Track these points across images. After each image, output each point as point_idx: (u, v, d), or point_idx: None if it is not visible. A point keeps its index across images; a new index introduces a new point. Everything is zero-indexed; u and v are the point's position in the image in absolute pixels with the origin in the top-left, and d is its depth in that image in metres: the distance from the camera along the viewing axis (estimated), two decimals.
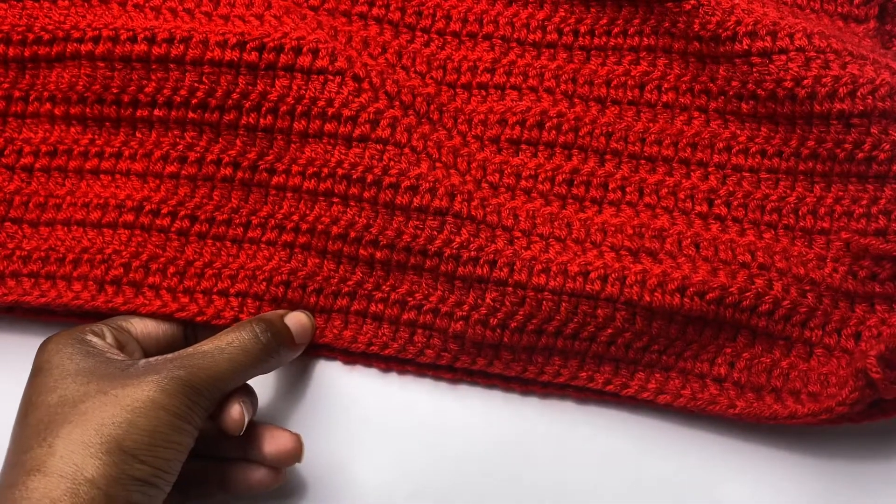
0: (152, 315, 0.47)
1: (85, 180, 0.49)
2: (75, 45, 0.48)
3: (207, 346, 0.42)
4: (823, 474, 0.46)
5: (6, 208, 0.49)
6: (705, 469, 0.47)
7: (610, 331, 0.46)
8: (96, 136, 0.49)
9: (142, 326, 0.45)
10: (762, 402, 0.45)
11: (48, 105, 0.49)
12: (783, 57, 0.45)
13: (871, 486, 0.46)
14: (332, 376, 0.49)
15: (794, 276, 0.45)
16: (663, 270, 0.45)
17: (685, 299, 0.45)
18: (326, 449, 0.48)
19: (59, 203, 0.49)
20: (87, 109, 0.49)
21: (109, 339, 0.43)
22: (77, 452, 0.37)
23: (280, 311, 0.46)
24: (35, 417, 0.39)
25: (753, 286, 0.45)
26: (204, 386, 0.40)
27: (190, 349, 0.42)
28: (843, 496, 0.46)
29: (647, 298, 0.45)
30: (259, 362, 0.43)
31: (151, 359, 0.41)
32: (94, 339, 0.42)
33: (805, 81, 0.44)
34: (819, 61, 0.44)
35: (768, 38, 0.45)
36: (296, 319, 0.46)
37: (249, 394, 0.43)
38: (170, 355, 0.41)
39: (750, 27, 0.45)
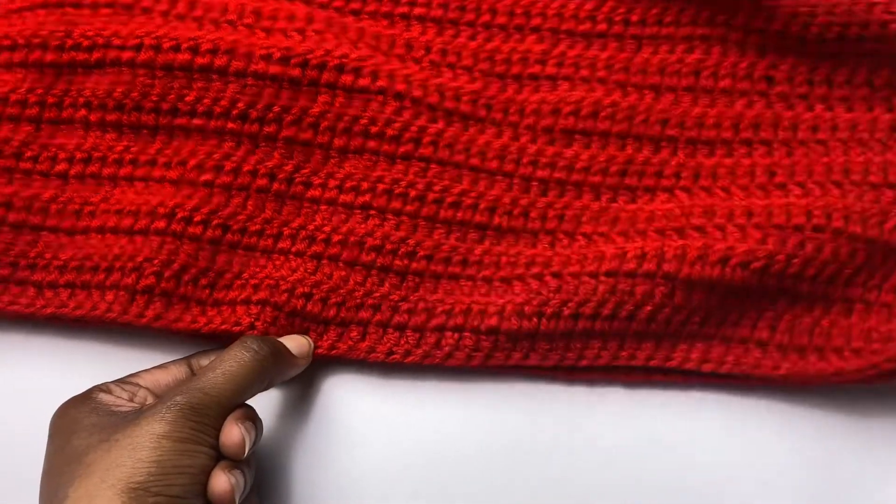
0: (181, 331, 0.47)
1: (119, 187, 0.48)
2: (116, 52, 0.47)
3: (203, 369, 0.42)
4: (826, 472, 0.46)
5: (43, 217, 0.48)
6: (709, 468, 0.46)
7: (649, 308, 0.45)
8: (132, 144, 0.48)
9: (150, 377, 0.44)
10: (807, 361, 0.44)
11: (83, 111, 0.48)
12: (857, 55, 0.46)
13: (872, 482, 0.46)
14: (331, 377, 0.48)
15: (848, 235, 0.44)
16: (704, 243, 0.45)
17: (727, 270, 0.44)
18: (326, 449, 0.47)
19: (94, 210, 0.48)
20: (124, 117, 0.48)
21: (117, 392, 0.42)
22: None
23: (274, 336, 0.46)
24: (48, 484, 0.39)
25: (802, 252, 0.44)
26: (203, 405, 0.40)
27: (191, 379, 0.42)
28: (844, 495, 0.46)
29: (687, 271, 0.44)
30: (256, 374, 0.42)
31: (155, 401, 0.41)
32: (101, 396, 0.41)
33: (882, 71, 0.45)
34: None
35: (835, 45, 0.46)
36: (289, 338, 0.46)
37: (252, 417, 0.42)
38: (172, 391, 0.41)
39: (816, 34, 0.46)
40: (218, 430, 0.40)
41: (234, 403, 0.41)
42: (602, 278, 0.45)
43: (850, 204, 0.45)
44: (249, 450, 0.40)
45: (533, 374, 0.48)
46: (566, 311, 0.45)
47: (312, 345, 0.47)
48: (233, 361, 0.41)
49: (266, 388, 0.43)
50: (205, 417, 0.39)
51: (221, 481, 0.39)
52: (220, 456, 0.40)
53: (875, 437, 0.46)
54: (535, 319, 0.45)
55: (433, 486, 0.46)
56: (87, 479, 0.37)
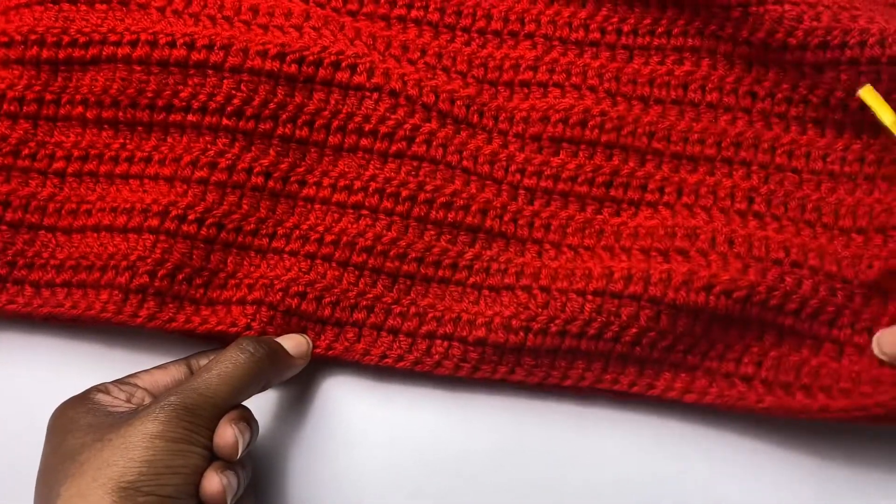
0: (176, 331, 0.47)
1: (115, 185, 0.49)
2: (112, 48, 0.48)
3: (199, 370, 0.42)
4: (824, 472, 0.47)
5: (40, 216, 0.48)
6: (706, 468, 0.47)
7: (634, 330, 0.45)
8: (127, 141, 0.49)
9: (148, 378, 0.44)
10: (792, 397, 0.45)
11: (80, 108, 0.49)
12: (836, 69, 0.46)
13: (873, 484, 0.47)
14: (332, 378, 0.49)
15: (826, 273, 0.45)
16: (690, 269, 0.45)
17: (711, 297, 0.45)
18: (327, 450, 0.48)
19: (90, 209, 0.48)
20: (120, 113, 0.48)
21: (115, 393, 0.42)
22: None
23: (272, 336, 0.46)
24: (42, 482, 0.39)
25: (782, 285, 0.45)
26: (197, 405, 0.40)
27: (186, 380, 0.42)
28: (844, 493, 0.47)
29: (672, 296, 0.45)
30: (252, 375, 0.42)
31: (150, 402, 0.41)
32: (98, 396, 0.42)
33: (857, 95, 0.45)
34: (872, 75, 0.45)
35: (819, 52, 0.46)
36: (288, 338, 0.46)
37: (247, 418, 0.42)
38: (168, 391, 0.41)
39: (801, 39, 0.46)
40: (212, 430, 0.40)
41: (229, 405, 0.41)
42: (589, 297, 0.46)
43: (823, 245, 0.46)
44: (243, 451, 0.41)
45: (523, 385, 0.48)
46: (553, 328, 0.46)
47: (311, 344, 0.47)
48: (228, 363, 0.42)
49: (262, 390, 0.44)
50: (198, 418, 0.40)
51: (214, 482, 0.39)
52: (213, 457, 0.40)
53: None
54: (521, 334, 0.46)
55: (428, 489, 0.47)
56: (79, 477, 0.38)
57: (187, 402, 0.40)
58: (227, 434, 0.40)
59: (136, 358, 0.48)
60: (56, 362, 0.49)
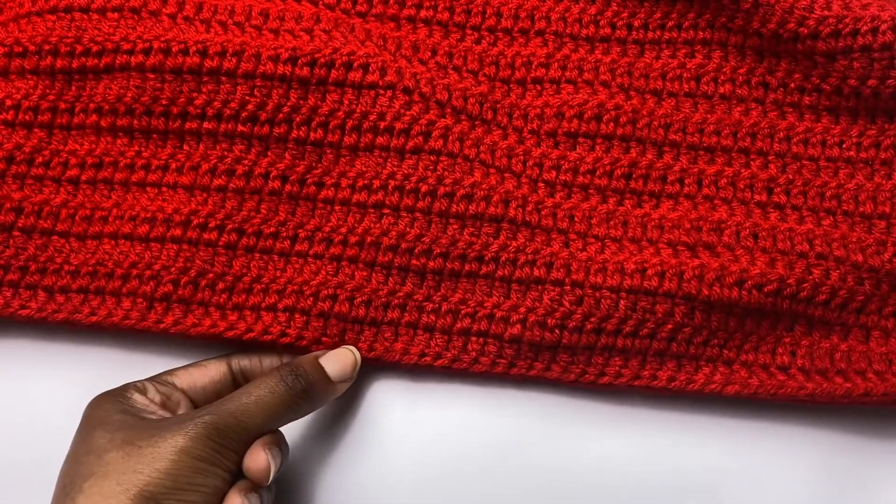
0: (202, 335, 0.47)
1: (131, 193, 0.48)
2: (125, 56, 0.48)
3: (237, 391, 0.42)
4: (825, 467, 0.47)
5: (53, 222, 0.48)
6: (707, 468, 0.47)
7: (670, 326, 0.46)
8: (143, 149, 0.49)
9: (187, 377, 0.44)
10: (832, 382, 0.45)
11: (94, 117, 0.48)
12: (848, 57, 0.46)
13: (874, 474, 0.47)
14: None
15: (852, 263, 0.46)
16: (721, 264, 0.46)
17: (743, 292, 0.45)
18: (328, 448, 0.47)
19: (106, 216, 0.48)
20: (135, 121, 0.48)
21: (152, 393, 0.42)
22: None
23: (317, 353, 0.45)
24: (65, 472, 0.39)
25: (811, 277, 0.45)
26: (229, 428, 0.40)
27: (223, 398, 0.42)
28: (845, 492, 0.47)
29: (706, 292, 0.45)
30: (287, 406, 0.42)
31: (185, 413, 0.41)
32: (135, 396, 0.42)
33: (870, 82, 0.46)
34: (885, 61, 0.45)
35: (831, 40, 0.46)
36: (335, 358, 0.45)
37: (279, 443, 0.42)
38: (204, 406, 0.41)
39: (812, 28, 0.46)
40: (239, 454, 0.40)
41: (262, 431, 0.41)
42: (623, 294, 0.46)
43: (846, 233, 0.46)
44: (274, 475, 0.40)
45: (558, 383, 0.48)
46: (588, 326, 0.46)
47: (359, 362, 0.46)
48: (267, 390, 0.41)
49: (299, 418, 0.44)
50: (227, 440, 0.40)
51: (236, 503, 0.39)
52: (234, 480, 0.40)
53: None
54: (557, 331, 0.46)
55: (432, 484, 0.47)
56: (103, 478, 0.38)
57: (219, 423, 0.40)
58: (261, 459, 0.40)
59: (145, 361, 0.48)
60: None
